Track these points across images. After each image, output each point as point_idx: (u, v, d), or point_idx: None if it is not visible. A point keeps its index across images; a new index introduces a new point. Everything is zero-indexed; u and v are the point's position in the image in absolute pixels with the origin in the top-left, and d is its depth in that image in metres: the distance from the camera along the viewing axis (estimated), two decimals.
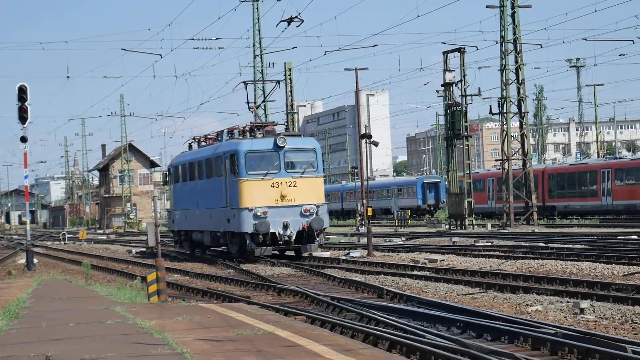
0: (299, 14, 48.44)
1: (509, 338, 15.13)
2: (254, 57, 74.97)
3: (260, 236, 36.93)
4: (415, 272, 28.11)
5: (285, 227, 36.99)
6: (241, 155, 37.39)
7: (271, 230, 36.89)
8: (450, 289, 23.29)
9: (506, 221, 57.84)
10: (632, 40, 66.89)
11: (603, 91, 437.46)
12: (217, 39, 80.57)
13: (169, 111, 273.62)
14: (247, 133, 39.46)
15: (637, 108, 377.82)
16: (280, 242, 37.26)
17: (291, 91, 73.81)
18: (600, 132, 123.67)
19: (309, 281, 28.17)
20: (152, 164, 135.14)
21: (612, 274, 25.21)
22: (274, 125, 40.28)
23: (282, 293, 24.78)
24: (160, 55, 65.13)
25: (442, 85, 61.44)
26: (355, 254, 38.77)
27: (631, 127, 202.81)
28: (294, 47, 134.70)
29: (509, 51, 57.70)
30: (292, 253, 39.93)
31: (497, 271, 26.71)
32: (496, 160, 70.69)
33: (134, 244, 61.26)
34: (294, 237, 37.15)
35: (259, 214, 36.78)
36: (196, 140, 46.84)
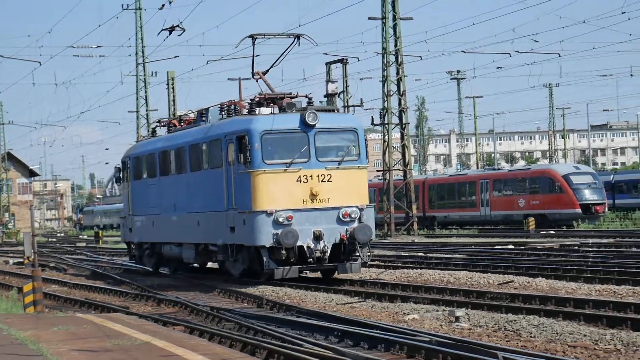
0: (181, 22, 47.74)
1: (385, 346, 15.29)
2: (137, 66, 74.40)
3: (283, 251, 26.08)
4: (295, 282, 28.00)
5: (317, 238, 26.45)
6: (255, 136, 26.36)
7: (298, 243, 26.36)
8: (330, 298, 23.45)
9: (387, 231, 58.32)
10: (509, 54, 68.21)
11: (482, 103, 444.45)
12: (98, 47, 79.88)
13: (49, 120, 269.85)
14: (257, 107, 28.09)
15: (515, 120, 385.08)
16: (310, 259, 26.49)
17: (174, 100, 73.29)
18: (479, 143, 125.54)
19: (189, 291, 27.67)
20: (32, 173, 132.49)
21: (488, 282, 25.69)
22: (292, 97, 28.47)
23: (162, 303, 24.55)
24: (40, 62, 64.26)
25: (324, 96, 61.27)
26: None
27: (510, 139, 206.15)
28: (176, 56, 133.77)
29: (391, 63, 58.19)
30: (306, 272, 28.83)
31: (376, 280, 27.31)
32: (377, 171, 71.36)
33: (11, 255, 59.96)
34: (328, 253, 26.61)
35: (281, 219, 26.09)
36: (164, 123, 35.50)
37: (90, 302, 25.03)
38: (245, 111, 28.39)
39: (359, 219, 26.80)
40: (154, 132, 36.48)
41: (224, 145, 27.83)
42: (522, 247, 40.77)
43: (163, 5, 48.94)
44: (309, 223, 26.42)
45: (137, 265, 37.60)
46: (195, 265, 34.08)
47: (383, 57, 58.19)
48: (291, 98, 27.97)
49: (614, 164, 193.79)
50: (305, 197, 26.41)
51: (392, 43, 58.56)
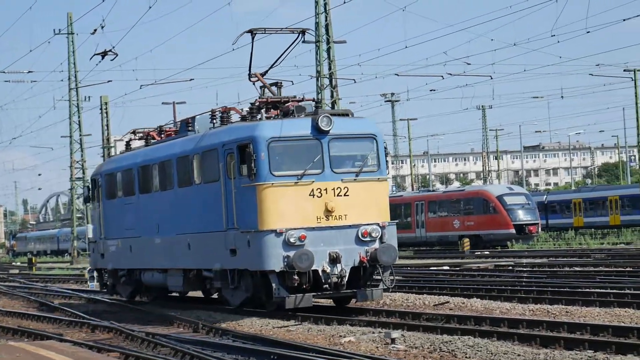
0: (113, 47, 47.46)
1: None
2: (69, 91, 73.68)
3: (296, 276, 22.72)
4: (230, 307, 27.61)
5: (334, 260, 22.95)
6: (261, 144, 22.89)
7: (312, 267, 22.91)
8: (266, 322, 22.83)
9: None
10: (442, 76, 68.50)
11: (416, 125, 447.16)
12: (29, 72, 79.08)
13: None
14: (256, 113, 24.86)
15: (449, 142, 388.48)
16: (326, 285, 23.05)
17: (107, 125, 72.72)
18: (414, 165, 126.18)
19: (124, 317, 26.55)
20: None
21: (424, 304, 25.12)
22: (299, 101, 25.16)
23: (96, 329, 23.60)
24: None
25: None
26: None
27: (444, 160, 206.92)
28: (109, 81, 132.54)
29: (325, 86, 58.03)
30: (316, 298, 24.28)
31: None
32: None
33: None
34: (346, 277, 23.13)
35: (292, 240, 22.65)
36: (141, 135, 31.11)
37: (23, 329, 23.96)
38: (236, 117, 25.73)
39: (380, 238, 23.40)
40: (127, 145, 32.15)
41: (222, 156, 24.20)
42: (458, 268, 40.64)
43: (95, 30, 48.25)
44: (324, 244, 22.96)
45: (105, 296, 34.01)
46: (175, 294, 30.93)
47: (317, 80, 58.23)
48: (298, 102, 24.81)
49: (547, 184, 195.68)
50: (320, 213, 23.05)
51: (326, 66, 58.62)
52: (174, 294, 31.04)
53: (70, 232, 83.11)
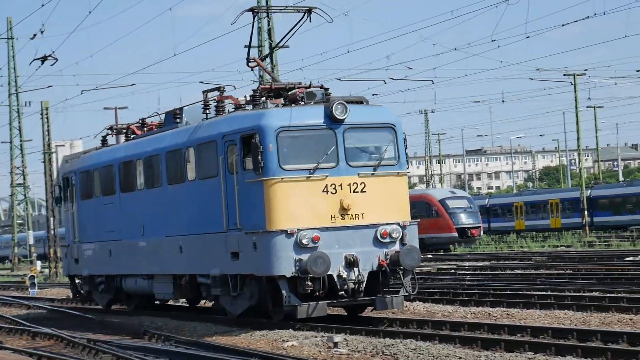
0: (53, 52, 46.92)
1: None
2: (9, 96, 72.84)
3: (309, 282, 20.36)
4: (172, 312, 27.17)
5: (351, 264, 20.68)
6: (269, 135, 20.56)
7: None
8: (209, 327, 22.43)
9: None
10: (384, 81, 68.65)
11: None
12: None
13: None
14: (258, 101, 22.05)
15: None
16: (342, 292, 20.76)
17: (48, 130, 71.99)
18: None
19: (66, 323, 25.89)
20: None
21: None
22: (306, 87, 22.29)
23: (37, 336, 23.09)
24: None
25: None
26: None
27: None
28: (49, 86, 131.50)
29: None
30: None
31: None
32: None
33: None
34: (364, 283, 20.87)
35: (305, 241, 20.37)
36: (118, 129, 28.68)
37: None
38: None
39: (401, 239, 21.21)
40: (104, 141, 29.24)
41: (222, 149, 21.79)
42: None
43: (35, 35, 48.08)
44: (340, 245, 20.69)
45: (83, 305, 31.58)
46: (161, 302, 28.38)
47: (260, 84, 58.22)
48: (306, 88, 22.16)
49: (489, 188, 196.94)
50: (334, 212, 20.80)
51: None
52: (154, 302, 28.50)
53: (11, 239, 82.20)
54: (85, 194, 28.94)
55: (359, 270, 20.68)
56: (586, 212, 71.25)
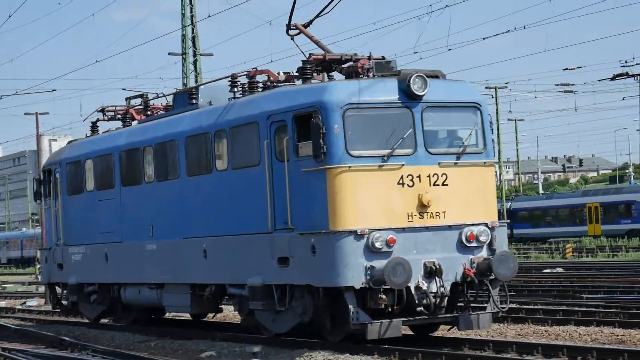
0: None
1: None
2: None
3: (383, 295, 16.63)
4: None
5: (431, 274, 16.84)
6: (334, 113, 16.64)
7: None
8: (126, 337, 21.99)
9: None
10: None
11: None
12: None
13: None
14: (309, 74, 18.35)
15: None
16: (421, 307, 17.14)
17: None
18: None
19: None
20: None
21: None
22: (367, 59, 18.04)
23: None
24: None
25: None
26: (32, 302, 35.38)
27: None
28: None
29: None
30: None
31: (175, 318, 25.57)
32: None
33: None
34: (447, 297, 17.09)
35: (378, 244, 16.47)
36: (112, 114, 25.04)
37: None
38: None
39: (489, 244, 17.36)
40: (94, 128, 25.38)
41: (266, 132, 17.81)
42: None
43: None
44: (417, 250, 16.80)
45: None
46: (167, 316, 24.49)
47: None
48: (368, 59, 17.98)
49: None
50: (411, 209, 16.87)
51: (193, 79, 58.41)
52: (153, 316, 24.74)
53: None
54: (73, 189, 24.71)
55: (441, 281, 16.78)
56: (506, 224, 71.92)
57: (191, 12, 56.54)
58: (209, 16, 45.08)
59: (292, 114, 17.31)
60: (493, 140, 17.95)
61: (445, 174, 17.23)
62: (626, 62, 63.36)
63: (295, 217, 17.27)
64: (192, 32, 58.72)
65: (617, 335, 18.76)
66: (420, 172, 17.02)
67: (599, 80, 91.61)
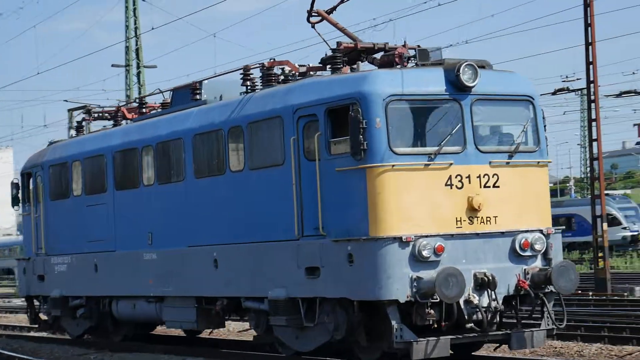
0: None
1: None
2: None
3: (430, 310, 14.75)
4: (31, 334, 26.12)
5: (482, 286, 15.02)
6: (376, 105, 14.91)
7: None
8: (65, 349, 21.36)
9: None
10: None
11: None
12: None
13: None
14: (338, 65, 16.53)
15: None
16: (472, 324, 15.07)
17: None
18: None
19: None
20: None
21: (228, 330, 24.43)
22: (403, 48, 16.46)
23: None
24: None
25: None
26: None
27: None
28: None
29: None
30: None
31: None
32: None
33: None
34: (499, 313, 15.29)
35: (425, 252, 14.71)
36: (99, 114, 23.59)
37: None
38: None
39: (544, 252, 15.59)
40: (79, 128, 23.54)
41: (291, 128, 16.00)
42: None
43: None
44: (467, 260, 15.00)
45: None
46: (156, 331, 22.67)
47: (127, 104, 56.63)
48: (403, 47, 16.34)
49: None
50: (460, 213, 15.10)
51: (136, 91, 57.39)
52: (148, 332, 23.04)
53: None
54: (58, 194, 22.67)
55: (494, 294, 14.95)
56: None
57: (135, 24, 56.18)
58: (153, 29, 44.14)
59: (325, 107, 15.49)
60: (546, 138, 16.22)
61: (496, 175, 15.45)
62: (567, 77, 63.15)
63: (328, 222, 15.45)
64: (136, 44, 58.40)
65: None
66: (470, 172, 15.24)
67: (540, 95, 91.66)
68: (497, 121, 15.96)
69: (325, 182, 15.45)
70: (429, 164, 15.02)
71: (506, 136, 16.00)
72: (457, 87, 15.28)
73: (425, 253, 14.67)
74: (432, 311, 14.66)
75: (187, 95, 19.57)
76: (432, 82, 15.25)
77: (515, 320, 15.86)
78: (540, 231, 15.63)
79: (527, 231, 15.50)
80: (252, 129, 16.94)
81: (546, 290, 15.40)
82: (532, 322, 16.08)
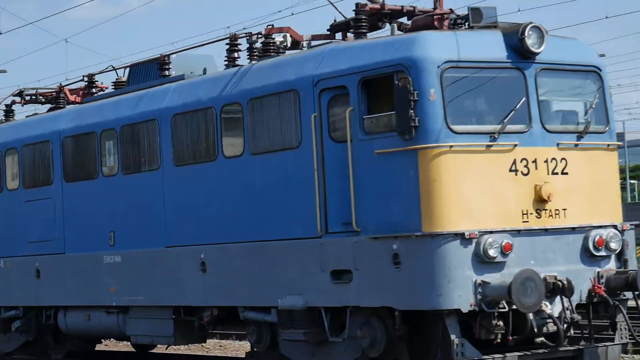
0: None
1: None
2: None
3: (500, 322, 11.98)
4: None
5: (554, 292, 12.28)
6: (430, 73, 12.13)
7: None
8: None
9: None
10: None
11: None
12: None
13: None
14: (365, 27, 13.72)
15: None
16: (541, 337, 12.39)
17: None
18: None
19: None
20: None
21: None
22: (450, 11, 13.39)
23: None
24: None
25: None
26: None
27: None
28: None
29: None
30: None
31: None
32: None
33: None
34: (575, 324, 12.60)
35: (491, 252, 11.96)
36: (33, 96, 20.24)
37: None
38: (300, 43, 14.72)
39: (620, 253, 13.00)
40: (9, 113, 20.14)
41: (310, 103, 13.24)
42: None
43: None
44: (536, 261, 12.39)
45: None
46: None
47: None
48: (441, 14, 13.38)
49: None
50: (527, 205, 12.48)
51: None
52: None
53: None
54: None
55: (569, 302, 12.38)
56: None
57: None
58: (1, 33, 42.25)
59: (360, 77, 12.73)
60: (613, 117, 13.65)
61: (564, 159, 12.86)
62: None
63: (364, 216, 12.67)
64: None
65: None
66: (537, 155, 12.64)
67: None
68: (562, 95, 13.41)
69: (360, 168, 12.73)
70: (490, 145, 12.40)
71: (570, 114, 13.45)
72: (519, 54, 12.73)
73: (491, 252, 12.06)
74: (500, 323, 12.08)
75: (150, 71, 16.81)
76: (490, 48, 12.66)
77: (582, 333, 13.41)
78: (615, 227, 13.07)
79: (600, 227, 12.95)
80: (254, 106, 14.12)
81: (622, 297, 12.90)
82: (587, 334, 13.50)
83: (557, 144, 12.80)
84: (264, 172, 14.00)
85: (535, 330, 12.34)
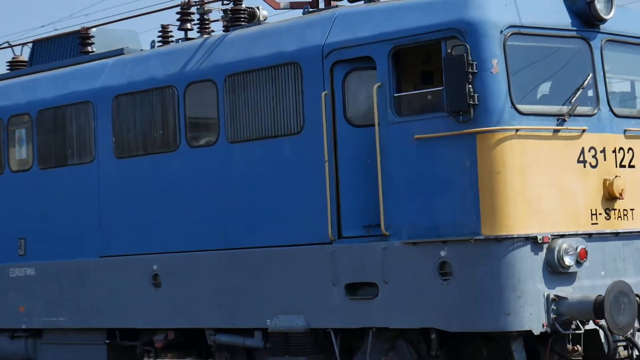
0: None
1: None
2: None
3: (576, 346, 9.64)
4: None
5: (626, 305, 9.55)
6: (491, 39, 9.70)
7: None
8: None
9: None
10: None
11: None
12: None
13: None
14: None
15: None
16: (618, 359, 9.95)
17: None
18: None
19: None
20: None
21: None
22: None
23: None
24: None
25: None
26: None
27: None
28: None
29: None
30: None
31: None
32: None
33: None
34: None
35: (567, 260, 9.65)
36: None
37: None
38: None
39: None
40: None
41: (319, 78, 10.78)
42: None
43: None
44: (606, 271, 10.24)
45: None
46: None
47: None
48: None
49: None
50: (596, 203, 10.25)
51: None
52: None
53: None
54: None
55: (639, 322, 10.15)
56: None
57: None
58: None
59: (391, 45, 10.23)
60: None
61: (631, 149, 10.64)
62: None
63: (396, 217, 10.16)
64: None
65: None
66: (606, 144, 10.41)
67: None
68: (627, 73, 11.21)
69: (392, 157, 10.21)
70: (558, 130, 10.05)
71: (629, 95, 11.25)
72: (585, 21, 10.47)
73: (567, 260, 9.76)
74: (578, 347, 9.77)
75: (67, 47, 14.06)
76: (552, 12, 10.36)
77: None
78: None
79: None
80: (231, 83, 11.48)
81: None
82: None
83: (625, 131, 10.61)
84: (246, 164, 11.39)
85: (606, 350, 10.11)
